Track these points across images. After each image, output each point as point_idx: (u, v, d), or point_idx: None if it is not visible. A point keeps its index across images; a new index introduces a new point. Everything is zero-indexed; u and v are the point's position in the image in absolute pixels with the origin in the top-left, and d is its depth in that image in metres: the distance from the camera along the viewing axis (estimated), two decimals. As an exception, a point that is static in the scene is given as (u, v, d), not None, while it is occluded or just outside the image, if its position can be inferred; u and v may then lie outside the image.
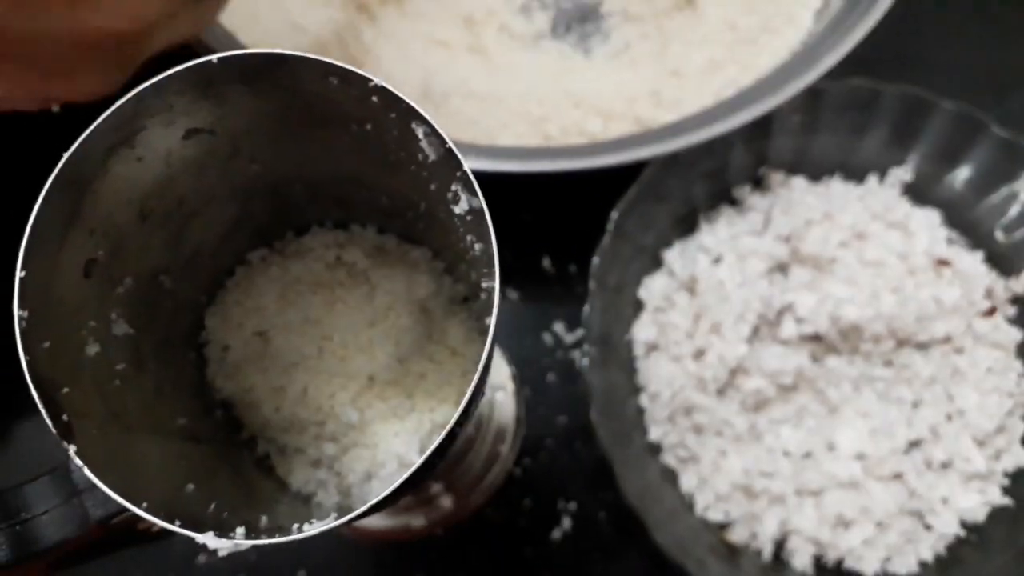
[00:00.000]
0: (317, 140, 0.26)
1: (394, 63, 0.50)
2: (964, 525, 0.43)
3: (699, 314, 0.45)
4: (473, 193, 0.23)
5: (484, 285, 0.25)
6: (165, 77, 0.22)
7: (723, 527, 0.44)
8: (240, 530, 0.21)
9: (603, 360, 0.44)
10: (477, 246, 0.24)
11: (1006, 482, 0.44)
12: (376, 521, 0.45)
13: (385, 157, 0.25)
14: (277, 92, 0.24)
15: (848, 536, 0.42)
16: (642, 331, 0.46)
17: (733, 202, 0.49)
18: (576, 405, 0.48)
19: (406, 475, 0.21)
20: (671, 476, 0.44)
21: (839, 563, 0.43)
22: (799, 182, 0.49)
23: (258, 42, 0.48)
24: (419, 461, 0.21)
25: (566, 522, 0.46)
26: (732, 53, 0.53)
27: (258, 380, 0.31)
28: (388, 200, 0.30)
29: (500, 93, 0.50)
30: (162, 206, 0.26)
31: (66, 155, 0.22)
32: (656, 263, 0.48)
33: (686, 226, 0.49)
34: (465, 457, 0.43)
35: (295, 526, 0.23)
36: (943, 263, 0.45)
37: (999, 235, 0.47)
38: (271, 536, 0.21)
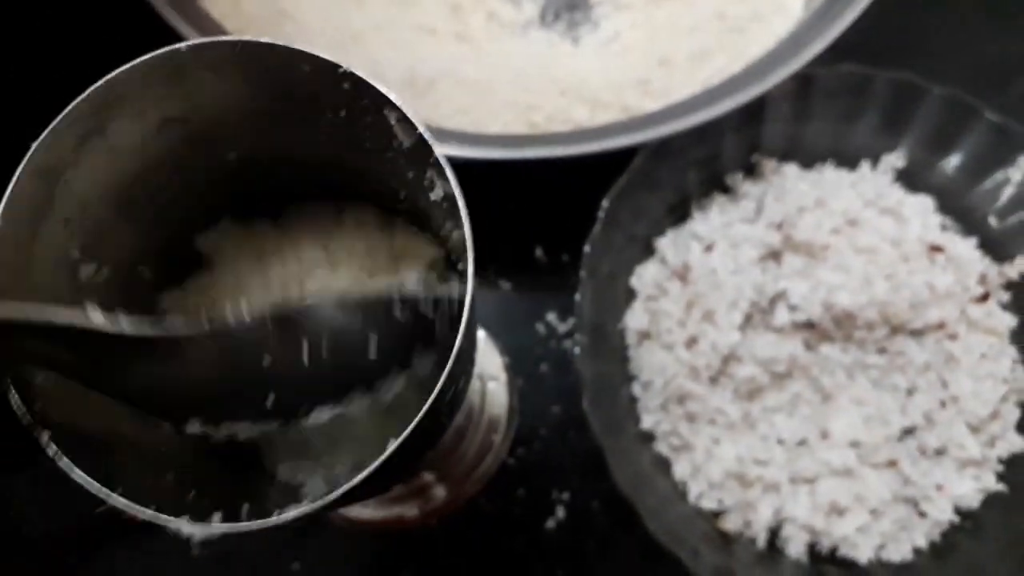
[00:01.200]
0: (295, 127, 0.26)
1: (381, 50, 0.50)
2: (958, 512, 0.43)
3: (691, 302, 0.45)
4: (445, 179, 0.23)
5: (461, 267, 0.25)
6: (134, 65, 0.22)
7: (717, 515, 0.44)
8: (217, 516, 0.21)
9: (595, 349, 0.44)
10: (455, 233, 0.24)
11: (1000, 468, 0.44)
12: (370, 512, 0.45)
13: (362, 143, 0.25)
14: (249, 80, 0.24)
15: (842, 523, 0.42)
16: (634, 319, 0.46)
17: (725, 190, 0.49)
18: (569, 395, 0.48)
19: (378, 462, 0.21)
20: (664, 465, 0.45)
21: (833, 550, 0.43)
22: (791, 169, 0.49)
23: (244, 28, 0.48)
24: (392, 446, 0.21)
25: (560, 511, 0.46)
26: (721, 42, 0.53)
27: None
28: (372, 187, 0.30)
29: (488, 81, 0.50)
30: (139, 196, 0.26)
31: (35, 144, 0.22)
32: (648, 251, 0.48)
33: (678, 214, 0.49)
34: (458, 447, 0.43)
35: (275, 512, 0.23)
36: (936, 249, 0.45)
37: (992, 220, 0.47)
38: (248, 520, 0.21)
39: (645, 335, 0.46)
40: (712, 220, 0.47)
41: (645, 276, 0.47)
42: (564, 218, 0.50)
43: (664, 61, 0.52)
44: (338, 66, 0.23)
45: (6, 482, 0.25)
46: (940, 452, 0.44)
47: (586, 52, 0.55)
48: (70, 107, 0.22)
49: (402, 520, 0.45)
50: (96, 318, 0.21)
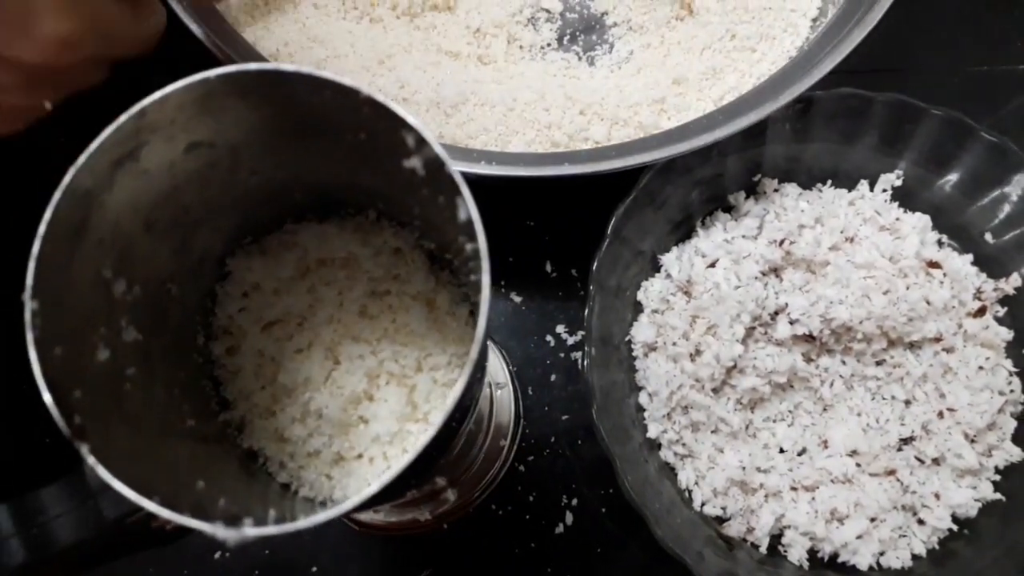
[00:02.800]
0: (314, 149, 0.27)
1: (407, 73, 0.52)
2: (956, 520, 0.44)
3: (695, 316, 0.46)
4: (462, 197, 0.23)
5: (473, 278, 0.26)
6: (167, 93, 0.23)
7: (720, 521, 0.45)
8: (248, 520, 0.22)
9: (603, 360, 0.45)
10: (469, 246, 0.24)
11: (997, 478, 0.45)
12: (382, 516, 0.46)
13: (380, 164, 0.26)
14: (274, 105, 0.25)
15: (842, 531, 0.43)
16: (641, 332, 0.47)
17: (728, 208, 0.50)
18: (578, 404, 0.50)
19: (398, 469, 0.21)
20: (669, 472, 0.46)
21: (834, 557, 0.44)
22: (792, 188, 0.50)
23: (277, 54, 0.50)
24: (410, 456, 0.22)
25: (568, 517, 0.47)
26: (732, 61, 0.54)
27: (261, 386, 0.32)
28: (385, 205, 0.31)
29: (510, 101, 0.52)
30: (167, 216, 0.27)
31: (73, 169, 0.22)
32: (654, 267, 0.49)
33: (683, 231, 0.50)
34: (468, 453, 0.44)
35: (300, 517, 0.23)
36: (933, 265, 0.46)
37: (989, 237, 0.48)
38: (276, 525, 0.22)
39: (651, 347, 0.47)
40: (715, 237, 0.48)
41: (651, 290, 0.48)
42: (573, 234, 0.52)
43: (677, 80, 0.53)
44: (358, 91, 0.23)
45: (36, 494, 0.26)
46: (938, 461, 0.45)
47: (602, 72, 0.57)
48: (106, 132, 0.23)
49: (415, 524, 0.46)
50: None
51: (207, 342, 0.32)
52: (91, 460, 0.21)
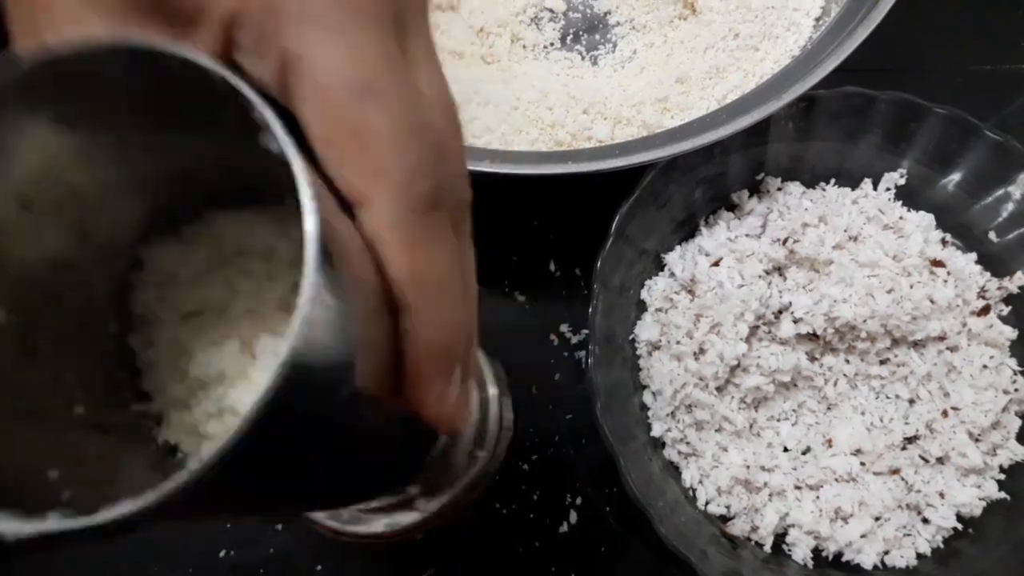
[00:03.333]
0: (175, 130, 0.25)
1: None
2: (961, 519, 0.44)
3: (699, 314, 0.46)
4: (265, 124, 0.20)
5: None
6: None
7: (724, 520, 0.45)
8: (54, 515, 0.18)
9: (607, 359, 0.45)
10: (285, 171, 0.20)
11: (1002, 477, 0.45)
12: (351, 526, 0.43)
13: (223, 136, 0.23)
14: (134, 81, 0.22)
15: (847, 529, 0.43)
16: (645, 331, 0.47)
17: (731, 207, 0.50)
18: (582, 403, 0.49)
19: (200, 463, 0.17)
20: (673, 470, 0.46)
21: (838, 556, 0.44)
22: (795, 187, 0.50)
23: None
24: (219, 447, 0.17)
25: (572, 515, 0.47)
26: (735, 60, 0.54)
27: (178, 379, 0.30)
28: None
29: (513, 100, 0.52)
30: (49, 196, 0.25)
31: None
32: (658, 265, 0.50)
33: (686, 230, 0.50)
34: (446, 458, 0.42)
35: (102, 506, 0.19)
36: (937, 264, 0.46)
37: (992, 236, 0.48)
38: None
39: (655, 346, 0.47)
40: (719, 236, 0.49)
41: (655, 289, 0.48)
42: (576, 233, 0.52)
43: (681, 79, 0.54)
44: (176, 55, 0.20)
45: None
46: (942, 460, 0.45)
47: (605, 72, 0.57)
48: None
49: (374, 537, 0.43)
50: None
51: (124, 331, 0.31)
52: None
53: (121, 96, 0.23)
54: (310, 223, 0.19)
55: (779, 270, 0.47)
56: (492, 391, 0.47)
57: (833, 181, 0.50)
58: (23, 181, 0.24)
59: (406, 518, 0.43)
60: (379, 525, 0.43)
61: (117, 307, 0.30)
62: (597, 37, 0.59)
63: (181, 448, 0.30)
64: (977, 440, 0.45)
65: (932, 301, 0.45)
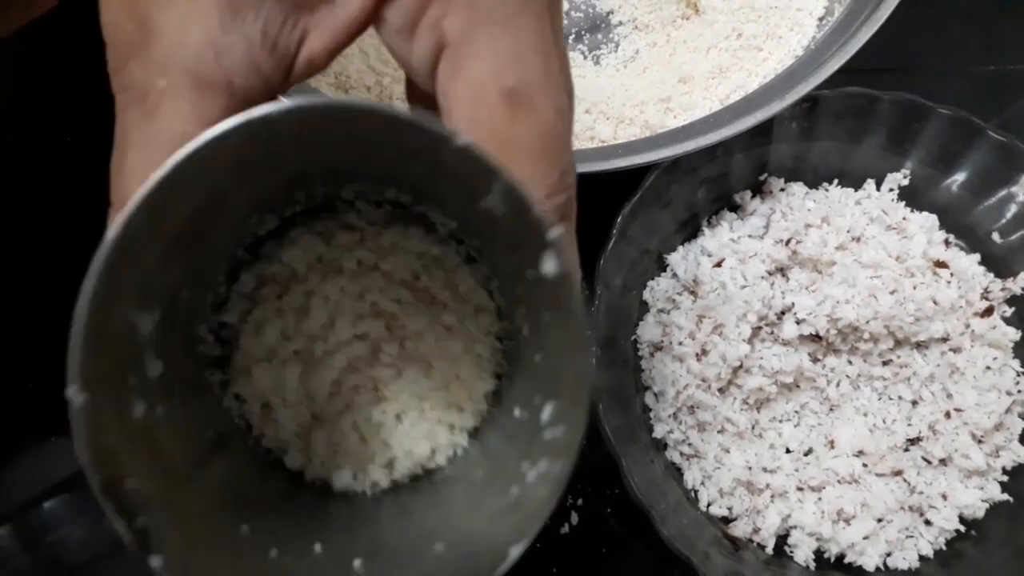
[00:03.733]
0: (373, 168, 0.25)
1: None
2: (963, 521, 0.44)
3: (702, 315, 0.46)
4: (553, 253, 0.20)
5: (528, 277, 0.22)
6: (213, 136, 0.20)
7: (726, 521, 0.45)
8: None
9: (609, 360, 0.45)
10: (532, 274, 0.21)
11: (1005, 479, 0.45)
12: None
13: (446, 195, 0.24)
14: (336, 138, 0.22)
15: (849, 531, 0.43)
16: (647, 332, 0.47)
17: (734, 207, 0.50)
18: (584, 404, 0.50)
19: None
20: (675, 472, 0.46)
21: (840, 557, 0.44)
22: (798, 188, 0.50)
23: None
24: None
25: (574, 517, 0.47)
26: (738, 59, 0.54)
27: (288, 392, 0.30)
28: (405, 185, 0.28)
29: (515, 100, 0.52)
30: (184, 230, 0.23)
31: (128, 214, 0.19)
32: (660, 266, 0.49)
33: (689, 230, 0.50)
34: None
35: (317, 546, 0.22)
36: (941, 264, 0.46)
37: (996, 237, 0.48)
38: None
39: (657, 347, 0.47)
40: (721, 236, 0.48)
41: (657, 290, 0.48)
42: (578, 233, 0.51)
43: (684, 79, 0.53)
44: (449, 137, 0.19)
45: (37, 512, 0.24)
46: (945, 462, 0.45)
47: (608, 71, 0.57)
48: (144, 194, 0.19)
49: None
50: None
51: (207, 324, 0.29)
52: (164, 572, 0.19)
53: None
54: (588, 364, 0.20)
55: (782, 271, 0.47)
56: None
57: (836, 181, 0.50)
58: (170, 233, 0.22)
59: None
60: None
61: (208, 303, 0.29)
62: (599, 37, 0.58)
63: (283, 447, 0.30)
64: (980, 442, 0.45)
65: (935, 302, 0.45)
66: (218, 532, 0.22)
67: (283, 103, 0.19)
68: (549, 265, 0.20)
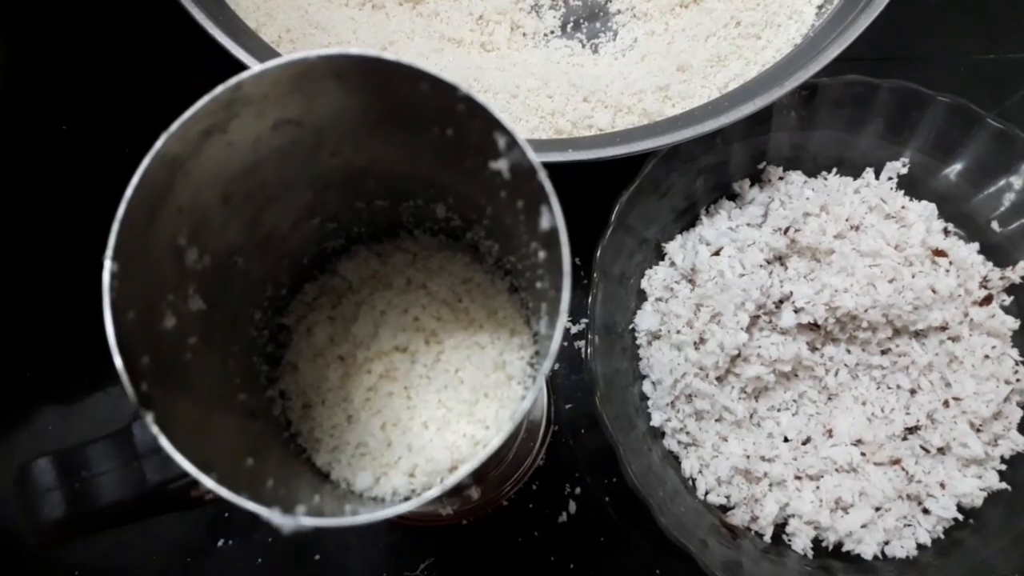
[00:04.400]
0: (398, 139, 0.27)
1: (409, 59, 0.51)
2: (962, 509, 0.44)
3: (700, 304, 0.46)
4: (548, 206, 0.23)
5: (539, 285, 0.26)
6: (264, 68, 0.23)
7: (724, 510, 0.45)
8: (301, 508, 0.22)
9: (607, 349, 0.45)
10: (542, 254, 0.24)
11: (1003, 467, 0.45)
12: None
13: (462, 161, 0.26)
14: (367, 91, 0.25)
15: (847, 520, 0.43)
16: (645, 320, 0.47)
17: (733, 196, 0.50)
18: (581, 393, 0.50)
19: (459, 475, 0.22)
20: (673, 460, 0.46)
21: (839, 546, 0.44)
22: (797, 176, 0.50)
23: (279, 40, 0.50)
24: (475, 461, 0.23)
25: (572, 505, 0.47)
26: (737, 48, 0.54)
27: (330, 378, 0.32)
28: (454, 200, 0.31)
29: (512, 88, 0.52)
30: (244, 189, 0.27)
31: (165, 135, 0.23)
32: (658, 255, 0.49)
33: (687, 219, 0.50)
34: (497, 452, 0.44)
35: (347, 507, 0.24)
36: (939, 253, 0.46)
37: (995, 226, 0.47)
38: (334, 516, 0.22)
39: (655, 335, 0.47)
40: (719, 225, 0.48)
41: (655, 278, 0.48)
42: (576, 222, 0.51)
43: (682, 67, 0.53)
44: (456, 88, 0.23)
45: (82, 449, 0.26)
46: (943, 451, 0.45)
47: (606, 60, 0.56)
48: (201, 101, 0.23)
49: (436, 517, 0.45)
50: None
51: (264, 317, 0.33)
52: (155, 430, 0.21)
53: (354, 102, 0.26)
54: (565, 296, 0.23)
55: (780, 259, 0.47)
56: (543, 386, 0.47)
57: (835, 170, 0.50)
58: (231, 176, 0.26)
59: (461, 504, 0.45)
60: (433, 507, 0.45)
61: (261, 294, 0.32)
62: (598, 25, 0.58)
63: (309, 436, 0.32)
64: (978, 430, 0.44)
65: (934, 291, 0.45)
66: (227, 458, 0.24)
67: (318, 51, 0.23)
68: (546, 220, 0.23)
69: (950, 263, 0.46)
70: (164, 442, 0.21)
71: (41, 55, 0.58)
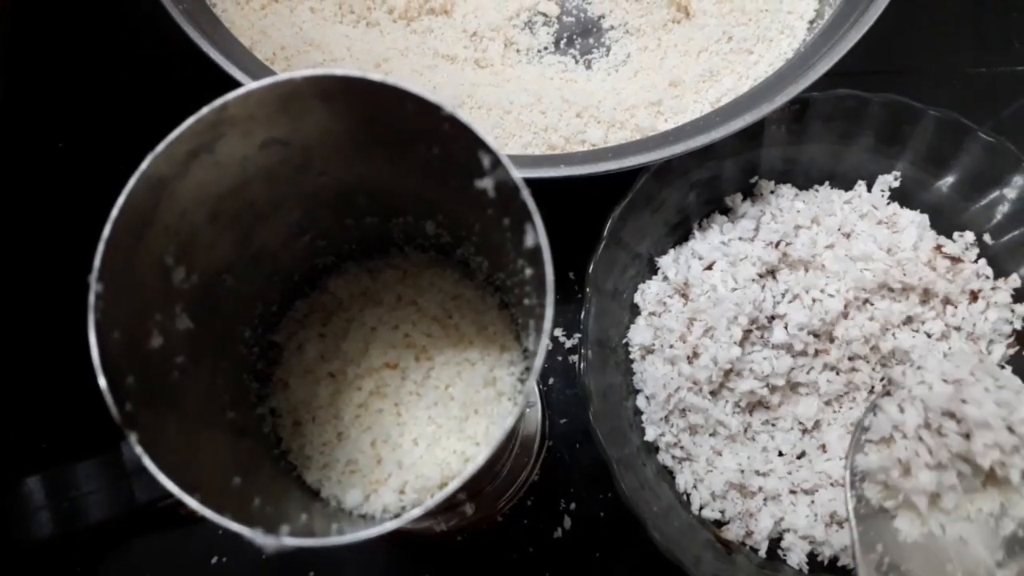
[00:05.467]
0: (386, 157, 0.28)
1: (403, 76, 0.52)
2: (956, 523, 0.44)
3: (693, 318, 0.46)
4: (532, 224, 0.24)
5: (526, 302, 0.26)
6: (250, 90, 0.23)
7: (719, 525, 0.44)
8: (285, 528, 0.22)
9: (600, 363, 0.45)
10: (528, 271, 0.25)
11: (998, 481, 0.44)
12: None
13: (449, 180, 0.27)
14: (353, 111, 0.25)
15: (842, 534, 0.43)
16: (638, 335, 0.47)
17: (725, 210, 0.50)
18: (575, 407, 0.50)
19: (459, 482, 0.22)
20: (667, 475, 0.45)
21: (834, 560, 0.43)
22: (788, 190, 0.50)
23: (274, 58, 0.50)
24: (461, 479, 0.22)
25: (566, 521, 0.47)
26: (729, 63, 0.54)
27: (321, 394, 0.32)
28: (443, 217, 0.32)
29: (506, 104, 0.52)
30: (233, 208, 0.27)
31: (151, 156, 0.23)
32: (651, 269, 0.49)
33: (679, 233, 0.50)
34: (492, 468, 0.44)
35: (333, 527, 0.24)
36: (932, 263, 0.46)
37: (987, 239, 0.47)
38: (320, 536, 0.22)
39: (648, 350, 0.47)
40: (712, 239, 0.48)
41: (648, 293, 0.48)
42: (569, 237, 0.51)
43: (674, 82, 0.54)
44: (440, 108, 0.24)
45: (71, 468, 0.26)
46: (938, 464, 0.44)
47: (599, 75, 0.57)
48: (187, 123, 0.23)
49: (430, 533, 0.45)
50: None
51: (254, 334, 0.33)
52: (139, 450, 0.21)
53: (340, 122, 0.26)
54: (549, 313, 0.24)
55: (772, 273, 0.47)
56: (538, 402, 0.48)
57: (827, 184, 0.50)
58: (218, 196, 0.26)
59: (454, 521, 0.45)
60: (427, 523, 0.45)
61: (251, 312, 0.33)
62: (591, 41, 0.59)
63: (299, 454, 0.32)
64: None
65: (926, 300, 0.45)
66: (215, 477, 0.24)
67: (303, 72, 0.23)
68: (530, 238, 0.24)
69: (945, 271, 0.46)
70: (148, 462, 0.21)
71: (37, 73, 0.58)
